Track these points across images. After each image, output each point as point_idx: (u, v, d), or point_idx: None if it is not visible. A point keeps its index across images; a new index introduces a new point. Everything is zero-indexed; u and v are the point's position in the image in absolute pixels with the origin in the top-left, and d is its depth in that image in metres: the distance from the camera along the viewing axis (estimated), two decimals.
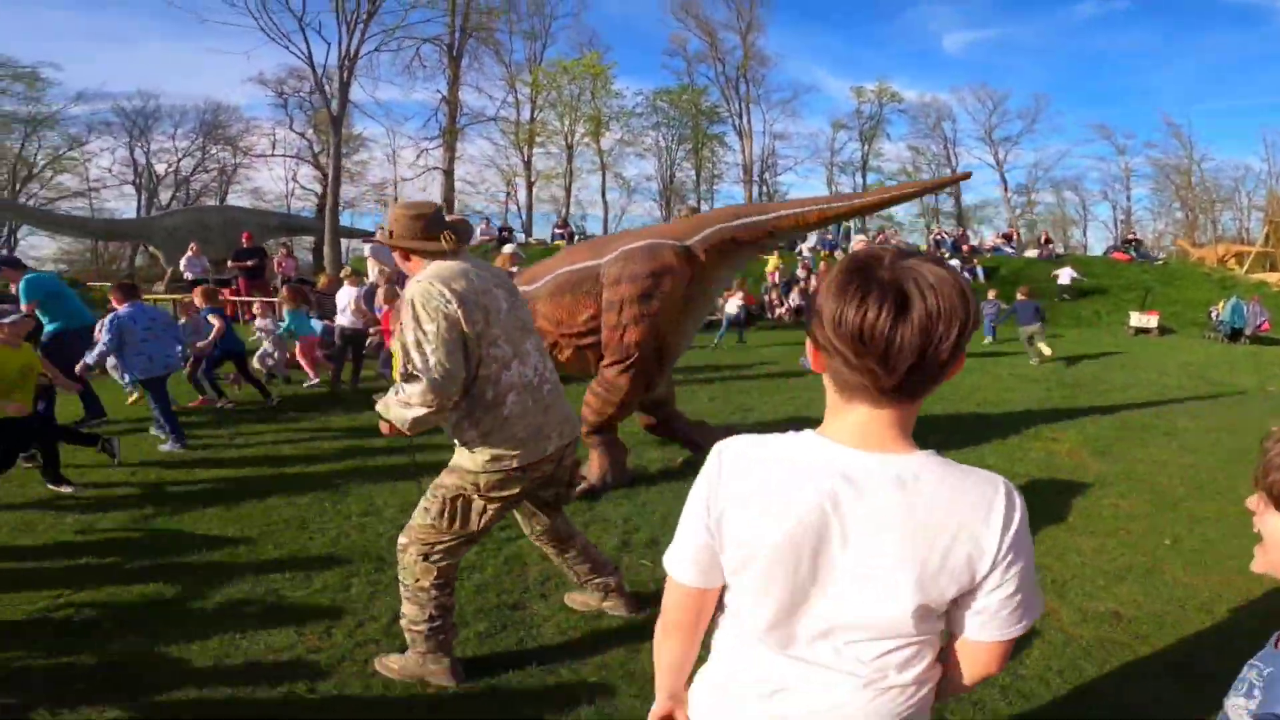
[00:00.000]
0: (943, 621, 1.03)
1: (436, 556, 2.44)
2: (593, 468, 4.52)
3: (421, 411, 2.23)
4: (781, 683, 1.03)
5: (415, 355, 2.23)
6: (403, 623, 2.51)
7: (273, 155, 32.02)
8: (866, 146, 35.56)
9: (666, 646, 1.16)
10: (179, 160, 31.62)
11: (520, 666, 2.62)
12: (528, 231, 26.54)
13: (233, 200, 30.53)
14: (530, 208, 30.97)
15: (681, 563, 1.08)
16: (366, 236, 14.35)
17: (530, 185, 30.69)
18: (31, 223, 19.63)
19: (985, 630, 1.01)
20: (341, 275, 10.11)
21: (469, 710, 2.41)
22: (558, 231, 21.17)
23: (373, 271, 9.84)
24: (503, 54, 28.59)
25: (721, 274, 4.73)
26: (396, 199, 33.69)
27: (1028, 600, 0.99)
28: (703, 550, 1.06)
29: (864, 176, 35.67)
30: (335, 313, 8.14)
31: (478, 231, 20.01)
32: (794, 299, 15.01)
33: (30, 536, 3.84)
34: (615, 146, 32.43)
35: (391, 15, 20.00)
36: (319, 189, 31.41)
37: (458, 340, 2.25)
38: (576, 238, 20.51)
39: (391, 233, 2.46)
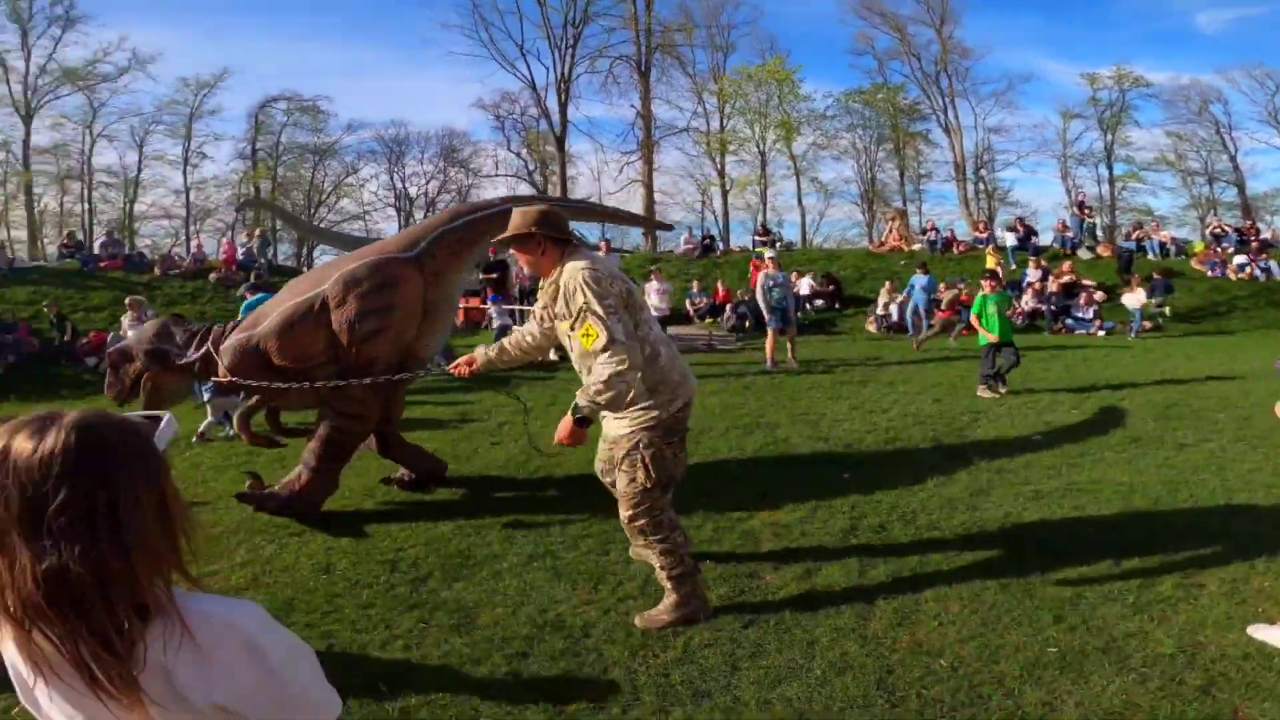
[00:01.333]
0: None
1: (658, 510, 2.95)
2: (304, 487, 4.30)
3: (617, 369, 2.60)
4: None
5: (600, 327, 2.57)
6: (660, 576, 3.01)
7: (496, 175, 35.53)
8: (1110, 135, 31.94)
9: None
10: (426, 183, 36.00)
11: (757, 624, 3.05)
12: (725, 240, 27.05)
13: None
14: (726, 216, 31.46)
15: None
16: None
17: (725, 193, 31.14)
18: (329, 242, 23.44)
19: None
20: None
21: (713, 657, 2.84)
22: (758, 239, 21.45)
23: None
24: (687, 66, 29.32)
25: (457, 275, 4.74)
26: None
27: None
28: None
29: (1110, 167, 32.28)
30: None
31: (680, 241, 20.99)
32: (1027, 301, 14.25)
33: (370, 501, 4.82)
34: (809, 150, 32.06)
35: (594, 39, 21.59)
36: None
37: (623, 308, 2.76)
38: (777, 244, 20.67)
39: (534, 230, 2.89)
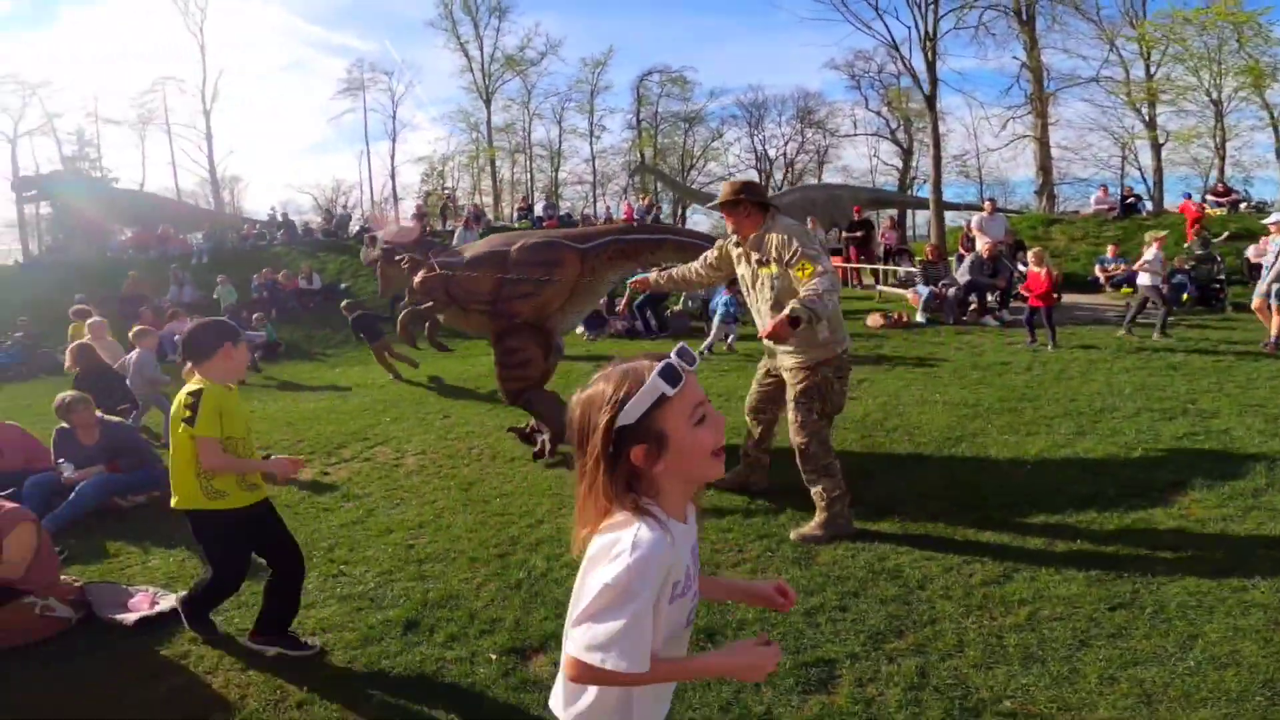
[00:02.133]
0: None
1: (822, 435, 3.61)
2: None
3: (832, 286, 3.33)
4: None
5: (814, 263, 3.38)
6: (817, 493, 3.56)
7: (855, 134, 34.38)
8: None
9: None
10: (785, 144, 36.72)
11: (1130, 609, 2.70)
12: (1157, 199, 22.02)
13: (827, 178, 34.04)
14: (1159, 172, 25.62)
15: None
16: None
17: (1157, 148, 25.38)
18: (702, 203, 25.40)
19: None
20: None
21: (1061, 630, 2.63)
22: (1214, 198, 17.02)
23: (980, 242, 10.09)
24: (1087, 12, 24.14)
25: (609, 276, 5.45)
26: (980, 170, 32.47)
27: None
28: None
29: None
30: (937, 282, 8.76)
31: (1092, 200, 17.88)
32: None
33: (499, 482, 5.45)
34: None
35: None
36: (899, 164, 32.53)
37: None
38: (1243, 205, 16.28)
39: (741, 197, 3.65)
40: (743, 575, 3.30)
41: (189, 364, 2.73)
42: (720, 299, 9.37)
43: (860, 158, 48.27)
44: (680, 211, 33.68)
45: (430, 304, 5.63)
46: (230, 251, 19.45)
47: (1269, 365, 6.86)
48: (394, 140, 36.55)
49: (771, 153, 36.81)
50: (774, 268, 3.55)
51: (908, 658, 2.54)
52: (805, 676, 2.48)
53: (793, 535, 3.61)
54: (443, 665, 2.69)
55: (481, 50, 34.46)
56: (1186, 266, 11.86)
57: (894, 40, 19.01)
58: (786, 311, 3.24)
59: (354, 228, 22.07)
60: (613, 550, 1.08)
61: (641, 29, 53.44)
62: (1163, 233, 9.85)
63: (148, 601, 3.17)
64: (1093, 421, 5.30)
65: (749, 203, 3.62)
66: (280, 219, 22.59)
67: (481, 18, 33.88)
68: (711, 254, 4.13)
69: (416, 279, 5.57)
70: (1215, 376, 6.48)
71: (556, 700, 1.27)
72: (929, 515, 3.79)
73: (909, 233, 21.53)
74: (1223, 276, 11.82)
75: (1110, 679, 2.34)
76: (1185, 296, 11.34)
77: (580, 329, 12.41)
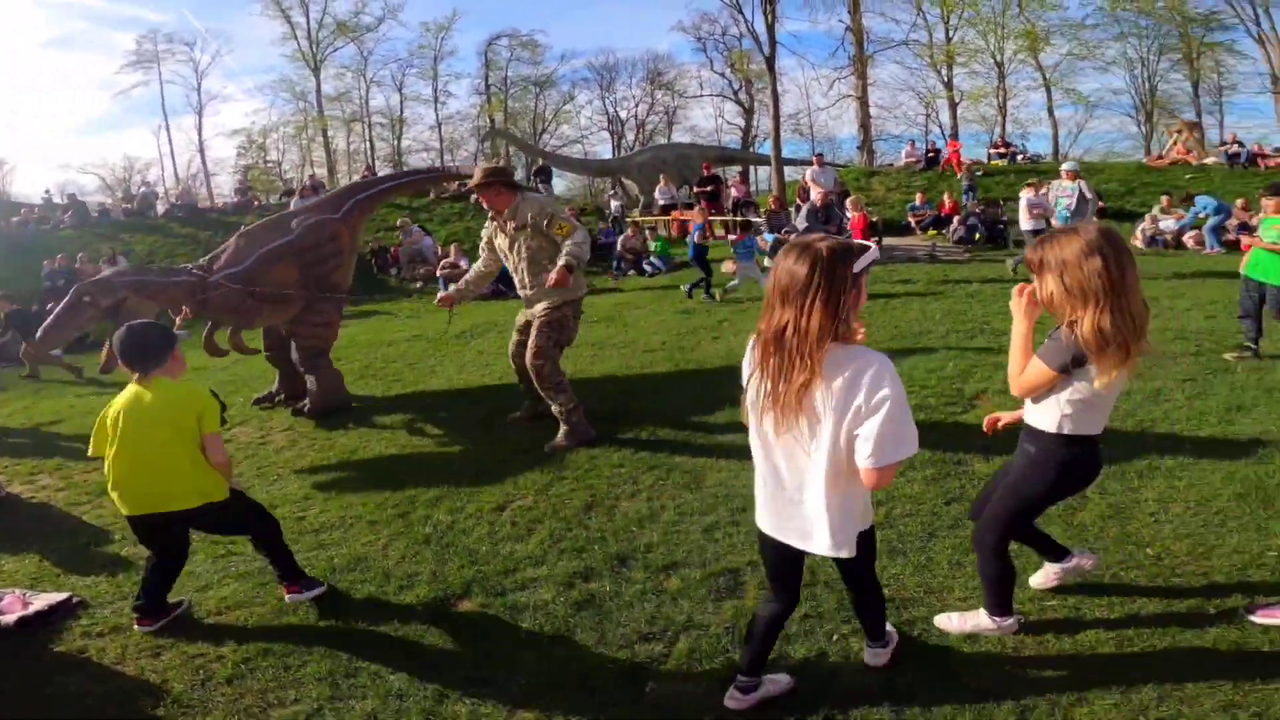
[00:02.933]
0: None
1: (555, 359, 4.46)
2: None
3: (585, 239, 4.32)
4: None
5: (569, 223, 4.40)
6: (557, 411, 4.58)
7: (702, 95, 35.52)
8: None
9: None
10: (635, 106, 37.30)
11: (960, 502, 3.29)
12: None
13: (676, 138, 34.88)
14: (955, 129, 28.94)
15: None
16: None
17: (954, 106, 28.60)
18: (557, 165, 25.16)
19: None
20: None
21: (912, 525, 3.17)
22: (994, 151, 19.51)
23: (814, 193, 10.97)
24: None
25: (362, 228, 6.46)
26: (811, 128, 34.68)
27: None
28: None
29: None
30: (781, 229, 9.49)
31: (902, 154, 19.86)
32: None
33: (383, 447, 5.73)
34: (1063, 61, 28.43)
35: None
36: (742, 123, 34.06)
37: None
38: (1019, 157, 18.89)
39: (491, 180, 4.39)
40: (640, 505, 3.57)
41: (136, 368, 2.69)
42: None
43: (707, 118, 49.35)
44: (531, 176, 33.18)
45: (238, 318, 5.61)
46: (7, 238, 16.64)
47: None
48: (200, 113, 33.18)
49: (623, 114, 37.29)
50: (529, 232, 4.33)
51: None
52: (715, 585, 2.79)
53: (546, 448, 4.35)
54: (370, 623, 2.73)
55: (308, 17, 31.87)
56: (978, 210, 13.77)
57: (738, 2, 19.67)
58: (562, 262, 4.15)
59: (160, 206, 19.77)
60: (887, 373, 1.73)
61: None
62: (1035, 179, 10.92)
63: (19, 603, 2.89)
64: (913, 344, 6.18)
65: (499, 184, 4.34)
66: (65, 200, 19.59)
67: None
68: (483, 247, 4.79)
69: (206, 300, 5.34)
70: (1003, 301, 7.65)
71: (829, 533, 1.88)
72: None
73: (753, 187, 22.80)
74: (1005, 218, 13.87)
75: (958, 564, 2.80)
76: (978, 235, 13.16)
77: (441, 293, 12.10)
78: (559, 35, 64.95)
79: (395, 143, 35.83)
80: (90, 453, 2.76)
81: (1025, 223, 9.57)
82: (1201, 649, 2.24)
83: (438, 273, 13.14)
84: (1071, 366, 1.97)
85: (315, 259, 5.62)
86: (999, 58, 28.19)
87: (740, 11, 19.77)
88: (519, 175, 27.25)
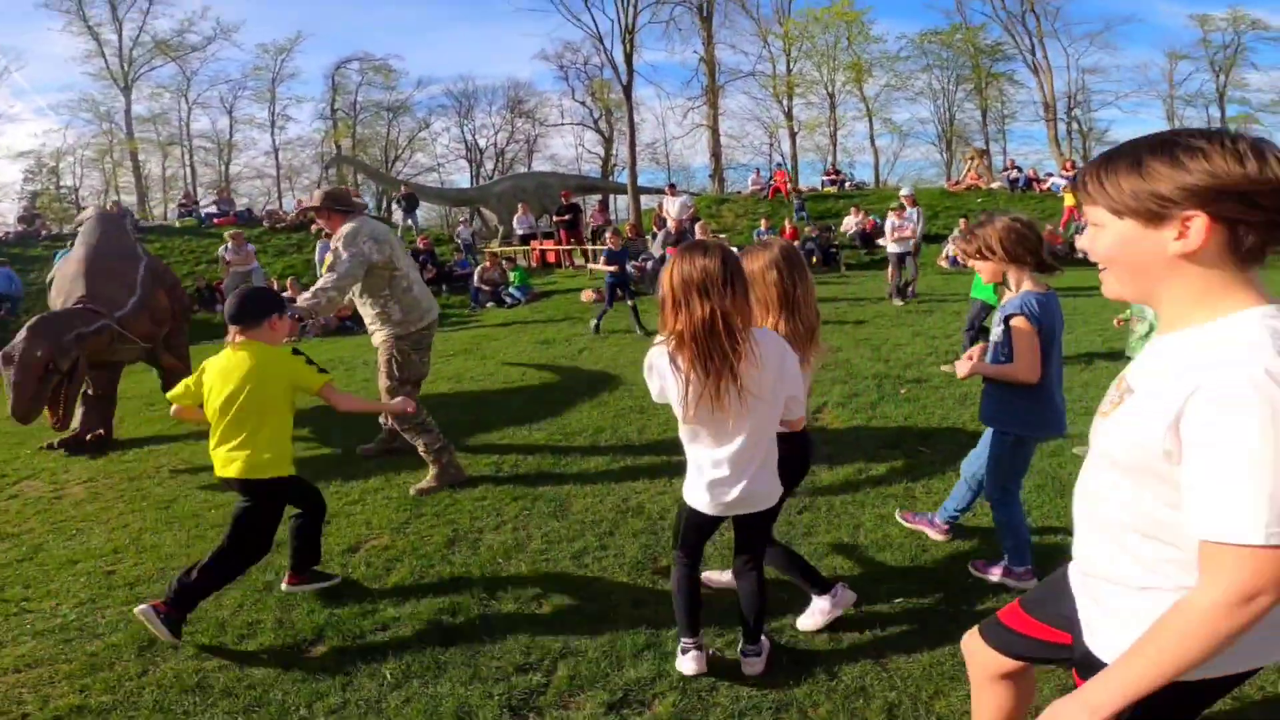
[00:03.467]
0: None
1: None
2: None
3: (330, 284, 3.99)
4: None
5: (336, 266, 4.01)
6: (422, 450, 4.33)
7: (563, 124, 35.72)
8: (1223, 77, 30.60)
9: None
10: (495, 134, 36.73)
11: (811, 509, 3.51)
12: (795, 180, 26.85)
13: (537, 167, 34.73)
14: (795, 158, 31.15)
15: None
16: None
17: (793, 136, 30.81)
18: (421, 196, 24.28)
19: None
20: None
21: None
22: (826, 178, 21.27)
23: (670, 221, 11.42)
24: (750, 10, 28.76)
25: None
26: (667, 156, 36.05)
27: None
28: None
29: (1222, 109, 30.82)
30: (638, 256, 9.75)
31: (749, 181, 21.12)
32: None
33: (208, 495, 5.55)
34: (882, 92, 31.58)
35: None
36: (601, 151, 34.75)
37: (375, 253, 4.11)
38: (847, 184, 20.60)
39: (322, 204, 4.24)
40: (506, 536, 3.47)
41: (236, 323, 2.77)
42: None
43: (567, 146, 50.04)
44: (385, 204, 31.96)
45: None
46: None
47: (874, 309, 9.07)
48: None
49: (482, 142, 36.56)
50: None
51: (666, 579, 2.93)
52: (589, 610, 2.76)
53: (412, 491, 4.08)
54: (205, 674, 2.44)
55: (120, 34, 28.85)
56: (814, 235, 15.00)
57: (599, 32, 20.14)
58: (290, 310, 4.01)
59: None
60: (786, 344, 2.14)
61: (339, 15, 48.37)
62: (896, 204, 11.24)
63: None
64: None
65: (329, 209, 4.25)
66: None
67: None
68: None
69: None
70: (836, 321, 8.35)
71: (769, 487, 2.17)
72: (656, 454, 4.36)
73: (612, 215, 23.16)
74: (838, 243, 15.20)
75: (819, 566, 2.91)
76: (815, 259, 14.28)
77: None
78: (416, 61, 63.50)
79: (223, 168, 33.09)
80: (169, 397, 2.88)
81: (893, 246, 9.86)
82: None
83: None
84: None
85: (174, 281, 5.97)
86: (831, 89, 30.52)
87: (601, 42, 20.33)
88: (370, 204, 26.13)
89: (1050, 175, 19.75)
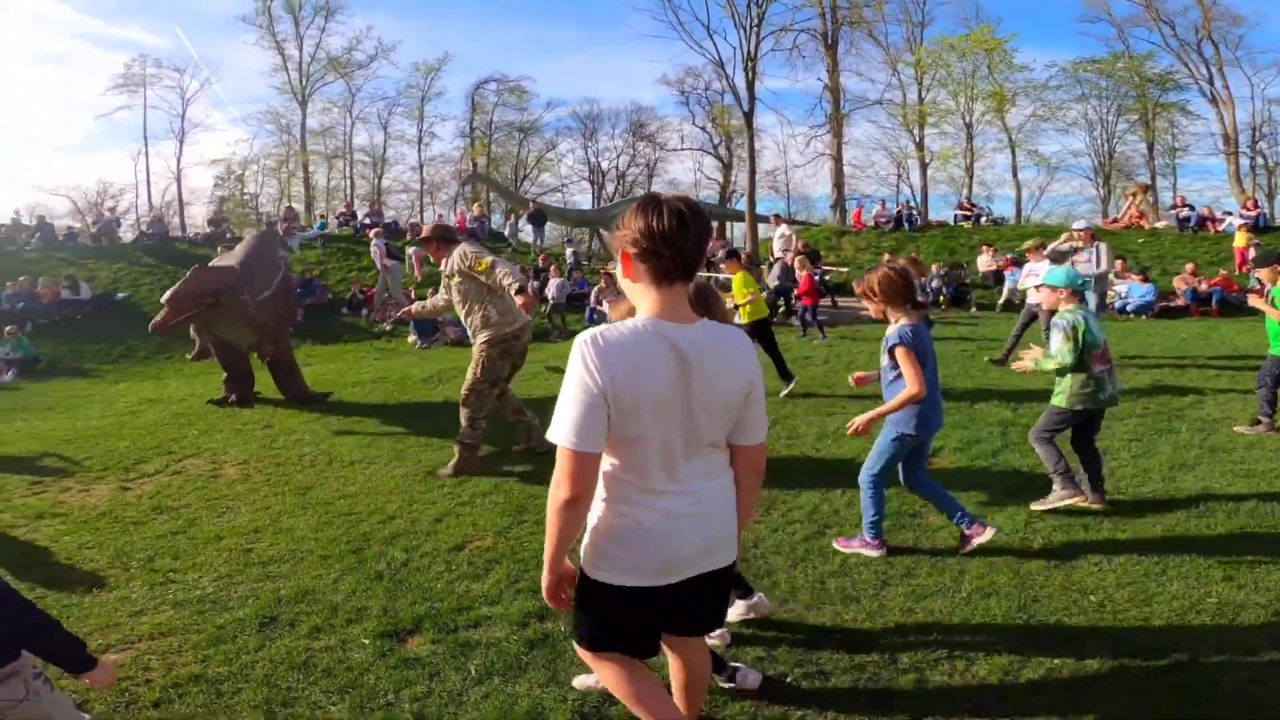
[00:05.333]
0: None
1: (481, 394, 4.89)
2: None
3: (510, 268, 4.65)
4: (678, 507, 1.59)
5: (489, 258, 4.70)
6: (461, 436, 5.20)
7: (682, 149, 36.16)
8: None
9: (573, 517, 1.53)
10: (617, 157, 37.72)
11: (913, 554, 3.34)
12: (924, 213, 25.75)
13: (655, 190, 35.30)
14: (925, 189, 29.85)
15: (579, 435, 1.46)
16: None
17: (924, 166, 29.54)
18: (546, 214, 25.37)
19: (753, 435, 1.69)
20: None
21: (866, 574, 3.22)
22: (959, 213, 20.23)
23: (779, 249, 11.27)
24: (879, 38, 27.89)
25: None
26: (788, 185, 35.72)
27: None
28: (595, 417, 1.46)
29: None
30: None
31: (873, 214, 20.49)
32: None
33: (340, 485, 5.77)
34: (1027, 122, 29.40)
35: (779, 15, 21.26)
36: (720, 178, 34.92)
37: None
38: (983, 219, 19.51)
39: (430, 236, 5.04)
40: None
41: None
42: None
43: (686, 171, 50.24)
44: (514, 220, 33.58)
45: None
46: None
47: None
48: (181, 141, 32.70)
49: (604, 164, 37.61)
50: (457, 277, 4.81)
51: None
52: None
53: (431, 474, 4.84)
54: (312, 654, 2.65)
55: (301, 50, 31.99)
56: (943, 272, 14.24)
57: (720, 59, 20.49)
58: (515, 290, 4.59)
59: (127, 234, 19.58)
60: None
61: (480, 36, 51.90)
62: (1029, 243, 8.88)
63: None
64: (875, 401, 6.23)
65: (436, 240, 4.94)
66: (32, 223, 19.26)
67: (305, 16, 31.51)
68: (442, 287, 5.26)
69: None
70: (962, 363, 7.87)
71: None
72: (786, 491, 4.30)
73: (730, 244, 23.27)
74: (969, 281, 14.33)
75: (909, 610, 2.85)
76: (942, 297, 13.57)
77: (412, 337, 12.15)
78: (546, 83, 66.52)
79: (376, 181, 35.88)
80: None
81: (1033, 296, 7.64)
82: (1144, 689, 2.29)
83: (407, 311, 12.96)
84: None
85: (293, 295, 8.03)
86: (968, 118, 28.92)
87: (722, 68, 20.61)
88: (495, 221, 27.64)
89: (1229, 215, 17.58)
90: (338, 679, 2.50)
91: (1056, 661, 2.45)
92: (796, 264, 11.03)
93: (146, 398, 8.71)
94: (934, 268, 14.73)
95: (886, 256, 8.95)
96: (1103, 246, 8.44)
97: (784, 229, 15.36)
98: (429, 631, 2.78)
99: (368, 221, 19.28)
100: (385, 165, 35.94)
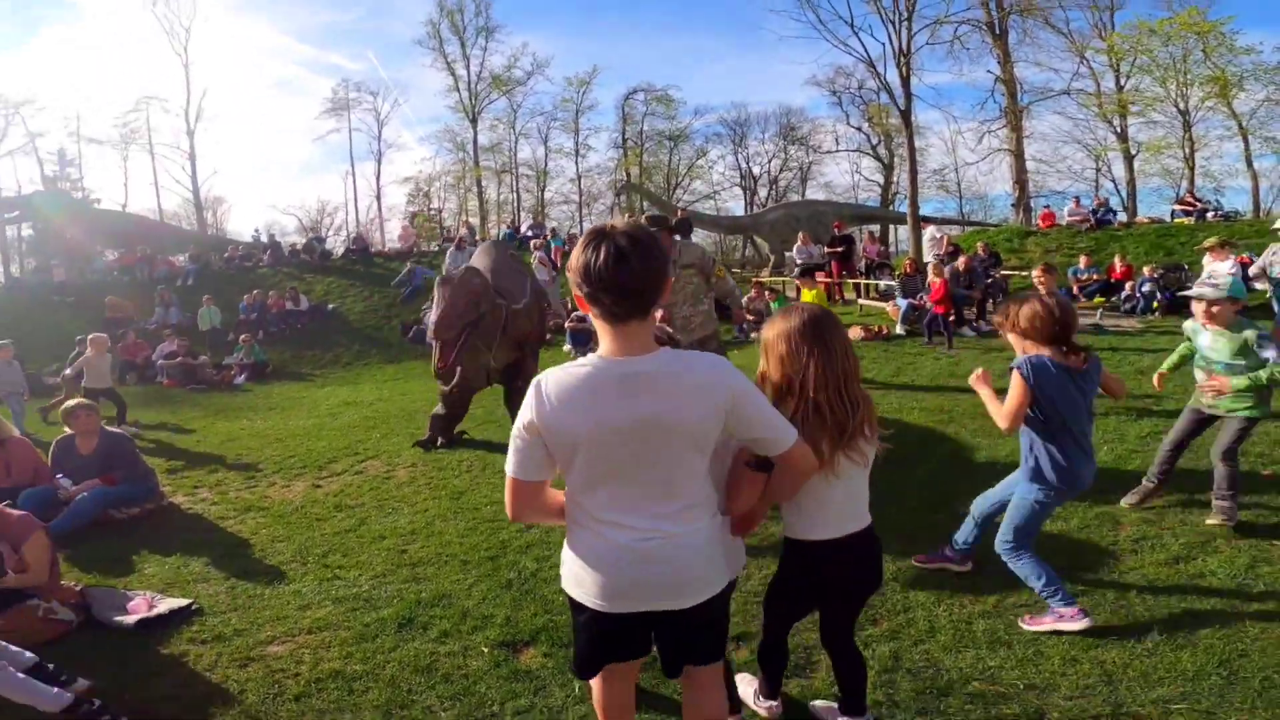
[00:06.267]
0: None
1: None
2: None
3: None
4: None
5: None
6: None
7: (838, 150, 34.71)
8: None
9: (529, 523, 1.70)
10: (769, 161, 37.01)
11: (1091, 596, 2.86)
12: (1130, 209, 22.61)
13: (810, 194, 34.15)
14: (1131, 183, 26.22)
15: (515, 466, 1.59)
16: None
17: (1129, 158, 25.97)
18: (696, 222, 25.73)
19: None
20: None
21: None
22: (1179, 208, 17.49)
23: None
24: (1056, 25, 24.75)
25: None
26: (959, 184, 33.08)
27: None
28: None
29: None
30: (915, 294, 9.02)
31: (1065, 211, 18.36)
32: None
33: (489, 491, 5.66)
34: (1260, 108, 24.77)
35: (930, 7, 19.63)
36: (880, 179, 33.02)
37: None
38: (1209, 214, 16.75)
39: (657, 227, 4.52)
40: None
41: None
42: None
43: (843, 174, 48.60)
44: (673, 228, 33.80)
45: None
46: (215, 273, 19.49)
47: None
48: (379, 160, 36.66)
49: (755, 170, 37.13)
50: (691, 271, 4.81)
51: (882, 643, 2.69)
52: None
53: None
54: (436, 658, 2.79)
55: (469, 69, 34.61)
56: (1156, 275, 12.30)
57: (870, 56, 19.52)
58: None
59: (337, 249, 22.17)
60: None
61: (626, 48, 53.77)
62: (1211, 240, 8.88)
63: (146, 604, 3.26)
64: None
65: (662, 229, 4.76)
66: (266, 241, 22.62)
67: (469, 37, 34.11)
68: None
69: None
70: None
71: None
72: (906, 512, 3.95)
73: (892, 247, 21.87)
74: (1190, 284, 12.20)
75: (1072, 660, 2.49)
76: (1156, 304, 11.72)
77: (567, 346, 12.65)
78: (692, 90, 66.72)
79: (539, 194, 37.75)
80: None
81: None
82: None
83: (566, 324, 13.33)
84: None
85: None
86: (1182, 105, 25.21)
87: (873, 65, 19.57)
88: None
89: None
90: (453, 685, 2.61)
91: None
92: (930, 269, 10.07)
93: (344, 401, 9.84)
94: (1145, 270, 12.77)
95: (1037, 272, 7.73)
96: None
97: (932, 230, 14.18)
98: (543, 644, 2.83)
99: (530, 234, 20.44)
100: (546, 178, 37.62)
